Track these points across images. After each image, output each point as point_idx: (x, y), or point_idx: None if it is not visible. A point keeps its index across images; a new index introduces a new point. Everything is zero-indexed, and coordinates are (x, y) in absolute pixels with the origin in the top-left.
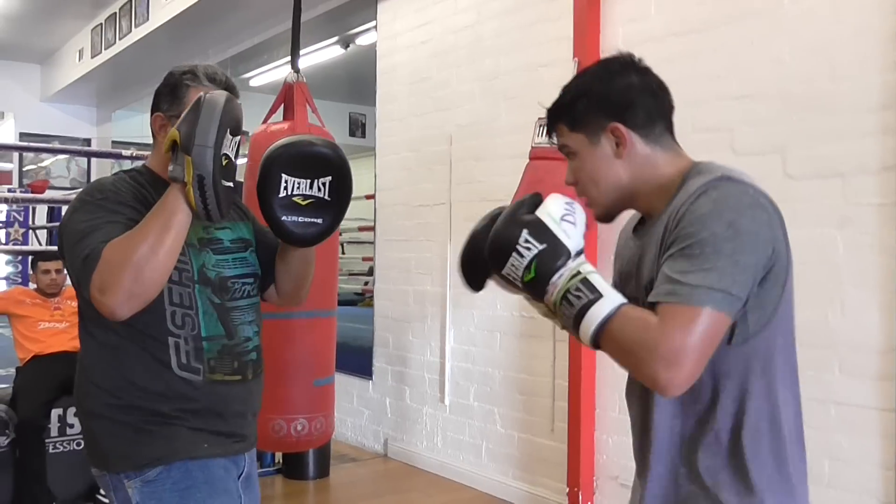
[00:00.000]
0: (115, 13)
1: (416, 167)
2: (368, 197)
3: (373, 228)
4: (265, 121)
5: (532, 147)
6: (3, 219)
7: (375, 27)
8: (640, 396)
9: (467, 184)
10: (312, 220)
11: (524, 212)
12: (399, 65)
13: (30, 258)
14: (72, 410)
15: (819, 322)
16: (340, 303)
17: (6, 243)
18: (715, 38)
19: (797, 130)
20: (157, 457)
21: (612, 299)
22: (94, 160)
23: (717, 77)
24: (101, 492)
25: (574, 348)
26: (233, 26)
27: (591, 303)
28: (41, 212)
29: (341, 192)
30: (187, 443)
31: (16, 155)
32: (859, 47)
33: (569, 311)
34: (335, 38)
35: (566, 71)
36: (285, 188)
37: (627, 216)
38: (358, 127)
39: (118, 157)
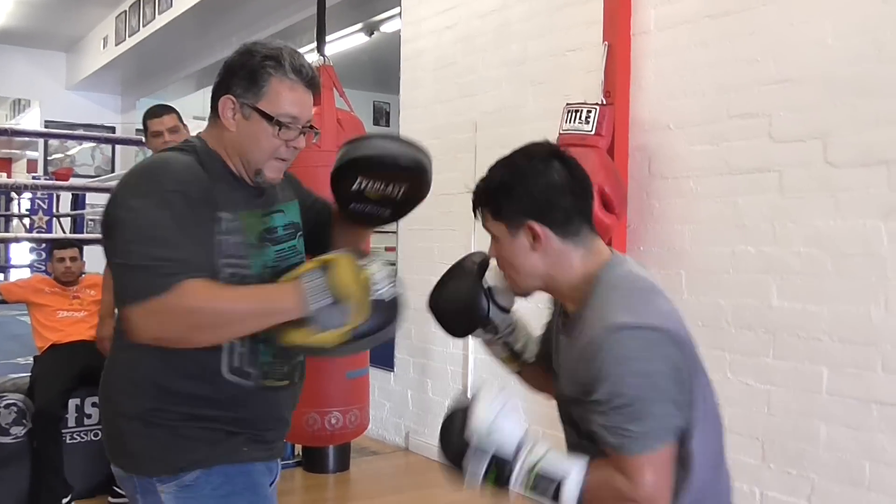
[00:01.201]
0: (139, 0)
1: (440, 155)
2: None
3: None
4: None
5: (560, 134)
6: (28, 206)
7: (400, 13)
8: None
9: None
10: (378, 210)
11: (460, 428)
12: (424, 50)
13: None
14: (89, 401)
15: (861, 318)
16: None
17: (30, 231)
18: (752, 19)
19: (840, 116)
20: (196, 460)
21: (573, 478)
22: (118, 148)
23: (754, 61)
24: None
25: None
26: (256, 12)
27: (558, 489)
28: (65, 200)
29: (413, 199)
30: (228, 447)
31: (41, 143)
32: None
33: (544, 499)
34: (359, 25)
35: (596, 56)
36: (360, 185)
37: None
38: (382, 115)
39: (141, 144)
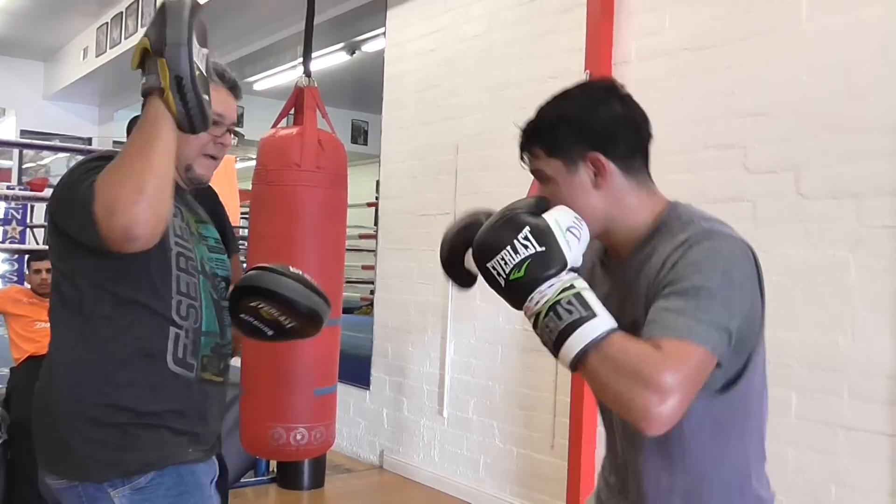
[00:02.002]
0: (122, 13)
1: (421, 176)
2: (370, 205)
3: (374, 236)
4: (274, 125)
5: None
6: (1, 216)
7: (384, 34)
8: (624, 442)
9: (473, 194)
10: (264, 328)
11: (529, 211)
12: (407, 72)
13: (26, 257)
14: None
15: (829, 345)
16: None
17: (3, 241)
18: (730, 53)
19: (812, 149)
20: (149, 462)
21: (605, 321)
22: None
23: (730, 93)
24: None
25: None
26: (239, 29)
27: (582, 319)
28: (39, 210)
29: (300, 334)
30: (176, 447)
31: (16, 152)
32: (878, 66)
33: (554, 324)
34: (341, 45)
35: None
36: (257, 304)
37: None
38: (360, 134)
39: None
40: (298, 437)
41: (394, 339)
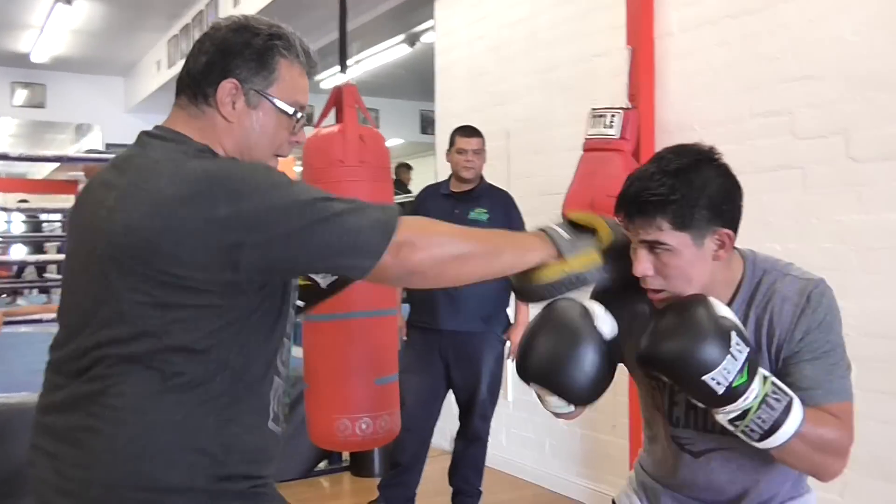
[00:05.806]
0: (188, 24)
1: None
2: None
3: None
4: (316, 125)
5: (585, 139)
6: None
7: (433, 25)
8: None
9: (526, 178)
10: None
11: (713, 314)
12: (457, 61)
13: None
14: None
15: (889, 312)
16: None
17: None
18: (772, 18)
19: (861, 111)
20: None
21: (797, 402)
22: None
23: (775, 59)
24: None
25: None
26: (305, 25)
27: (789, 406)
28: None
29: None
30: None
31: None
32: None
33: (767, 414)
34: (402, 37)
35: (621, 60)
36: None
37: None
38: (430, 124)
39: None
40: (364, 426)
41: None
